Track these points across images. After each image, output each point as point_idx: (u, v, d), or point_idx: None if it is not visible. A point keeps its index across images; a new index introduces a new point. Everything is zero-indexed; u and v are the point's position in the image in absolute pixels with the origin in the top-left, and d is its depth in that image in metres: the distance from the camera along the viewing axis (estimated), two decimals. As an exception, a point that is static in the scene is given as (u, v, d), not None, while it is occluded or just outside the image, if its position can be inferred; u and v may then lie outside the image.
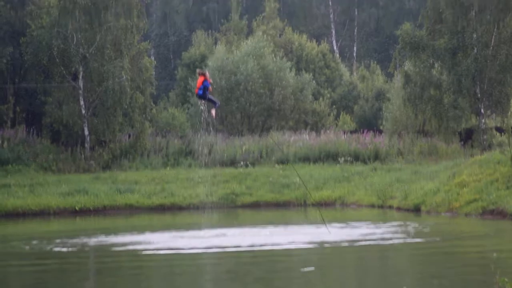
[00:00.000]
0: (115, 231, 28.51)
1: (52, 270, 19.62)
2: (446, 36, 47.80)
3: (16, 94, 51.77)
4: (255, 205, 42.01)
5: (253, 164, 48.25)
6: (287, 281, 17.00)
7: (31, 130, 48.72)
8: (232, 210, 40.87)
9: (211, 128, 25.84)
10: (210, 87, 25.69)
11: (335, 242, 23.04)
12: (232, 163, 48.87)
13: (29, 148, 47.04)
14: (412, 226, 28.22)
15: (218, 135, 53.16)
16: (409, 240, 23.21)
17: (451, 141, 48.62)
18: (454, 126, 48.34)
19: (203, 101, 26.15)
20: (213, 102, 25.86)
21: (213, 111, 26.53)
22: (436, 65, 49.23)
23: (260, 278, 17.29)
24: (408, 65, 51.02)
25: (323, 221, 25.91)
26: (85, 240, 25.55)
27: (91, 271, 20.14)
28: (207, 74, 25.93)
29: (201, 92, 25.50)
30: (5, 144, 46.43)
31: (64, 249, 23.10)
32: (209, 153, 50.42)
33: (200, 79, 25.65)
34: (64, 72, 49.04)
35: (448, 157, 45.21)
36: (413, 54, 48.79)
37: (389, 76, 69.00)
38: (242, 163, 48.33)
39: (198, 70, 26.73)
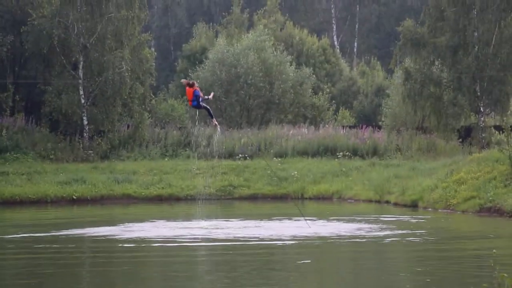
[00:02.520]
0: (113, 221, 28.53)
1: (46, 259, 19.65)
2: (447, 34, 47.81)
3: (16, 83, 51.68)
4: (253, 198, 42.07)
5: (251, 157, 48.26)
6: (283, 273, 17.03)
7: (30, 118, 48.67)
8: (230, 202, 40.91)
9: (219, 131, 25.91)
10: (201, 93, 25.56)
11: (331, 236, 23.06)
12: (231, 155, 48.84)
13: (27, 137, 46.98)
14: (408, 222, 28.26)
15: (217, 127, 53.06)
16: (404, 237, 23.23)
17: (450, 138, 48.64)
18: (453, 124, 48.39)
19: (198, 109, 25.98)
20: (208, 110, 25.75)
21: (214, 121, 26.47)
22: (436, 62, 49.24)
23: (255, 270, 17.32)
24: (408, 62, 51.02)
25: (304, 216, 25.91)
26: (80, 230, 25.56)
27: (86, 261, 20.17)
28: (195, 83, 25.81)
29: (195, 103, 25.45)
30: (4, 132, 46.38)
31: (59, 239, 23.12)
32: (208, 145, 50.40)
33: (189, 91, 25.46)
34: (65, 61, 48.99)
35: (447, 154, 45.21)
36: (414, 51, 48.81)
37: (389, 72, 68.95)
38: (240, 155, 48.33)
39: (183, 81, 26.40)
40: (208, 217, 27.20)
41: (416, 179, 37.40)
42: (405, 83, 49.20)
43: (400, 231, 24.37)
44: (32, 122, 48.42)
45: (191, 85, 25.43)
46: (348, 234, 23.54)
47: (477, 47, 47.24)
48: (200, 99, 25.28)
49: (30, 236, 23.92)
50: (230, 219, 29.02)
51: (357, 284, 15.40)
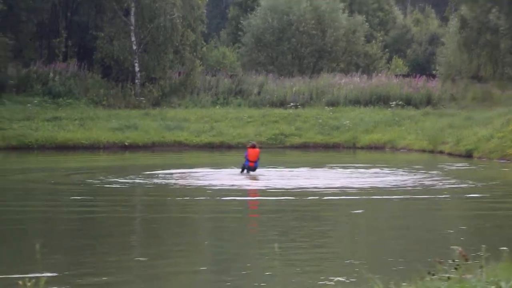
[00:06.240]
0: (165, 167, 28.57)
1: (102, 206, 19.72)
2: (505, -20, 46.45)
3: (68, 28, 51.80)
4: (304, 146, 41.78)
5: (303, 106, 47.85)
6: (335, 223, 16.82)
7: (83, 64, 48.77)
8: (281, 150, 40.71)
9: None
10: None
11: (385, 187, 22.75)
12: (282, 104, 48.50)
13: (80, 82, 47.16)
14: (463, 173, 27.77)
15: (269, 75, 52.73)
16: (459, 189, 22.81)
17: (506, 87, 47.55)
18: (510, 72, 47.26)
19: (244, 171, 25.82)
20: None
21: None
22: (493, 9, 47.90)
23: (306, 219, 17.13)
24: (464, 9, 49.77)
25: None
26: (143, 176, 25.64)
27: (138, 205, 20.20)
28: (256, 144, 26.30)
29: (257, 164, 25.53)
30: (57, 77, 46.58)
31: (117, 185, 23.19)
32: (259, 93, 50.10)
33: (256, 151, 25.53)
34: (116, 7, 48.85)
35: (503, 103, 44.26)
36: (471, -2, 47.55)
37: (444, 20, 67.51)
38: (292, 104, 47.94)
39: (253, 143, 26.64)
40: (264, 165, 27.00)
41: (471, 129, 36.79)
42: (460, 31, 48.06)
43: (454, 183, 23.90)
44: (84, 68, 48.54)
45: (254, 146, 25.79)
46: (402, 185, 23.17)
47: (536, -6, 45.84)
48: None
49: (108, 180, 24.04)
50: (280, 168, 28.84)
51: (403, 238, 15.11)
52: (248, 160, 25.56)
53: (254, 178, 24.86)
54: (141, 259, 12.55)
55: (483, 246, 6.95)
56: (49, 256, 11.93)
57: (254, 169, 25.59)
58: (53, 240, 14.20)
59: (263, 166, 26.80)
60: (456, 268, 6.60)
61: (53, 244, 13.58)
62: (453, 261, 6.72)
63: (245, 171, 25.61)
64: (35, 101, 44.11)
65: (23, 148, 37.74)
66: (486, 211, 18.36)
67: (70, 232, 15.45)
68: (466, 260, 6.71)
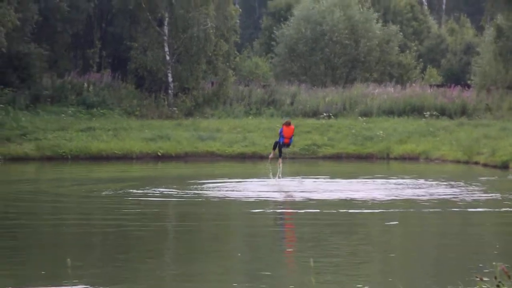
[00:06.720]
0: (198, 178, 28.52)
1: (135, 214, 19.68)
2: (542, -11, 45.96)
3: (102, 39, 52.11)
4: (337, 157, 41.51)
5: (335, 116, 47.58)
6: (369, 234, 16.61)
7: (116, 75, 49.02)
8: (314, 161, 40.49)
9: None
10: None
11: (421, 199, 22.48)
12: (315, 114, 48.27)
13: (114, 93, 47.35)
14: (499, 185, 27.36)
15: (301, 85, 52.54)
16: (495, 201, 22.45)
17: (542, 98, 47.02)
18: (546, 83, 46.73)
19: (275, 150, 26.24)
20: (280, 151, 26.28)
21: (271, 156, 26.60)
22: (530, 19, 47.44)
23: (343, 232, 16.95)
24: (500, 18, 49.28)
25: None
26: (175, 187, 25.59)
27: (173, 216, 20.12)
28: (290, 122, 26.97)
29: (291, 141, 26.09)
30: (91, 88, 46.85)
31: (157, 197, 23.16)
32: (292, 103, 49.94)
33: (291, 129, 26.02)
34: (150, 18, 49.03)
35: (539, 114, 43.75)
36: (507, 7, 47.08)
37: (479, 29, 66.89)
38: (324, 114, 47.70)
39: (288, 120, 27.41)
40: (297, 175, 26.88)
41: (507, 140, 36.36)
42: (496, 41, 47.64)
43: (490, 195, 23.54)
44: (118, 78, 48.77)
45: (289, 124, 26.36)
46: (437, 196, 22.87)
47: None
48: None
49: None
50: (314, 177, 28.66)
51: (440, 252, 14.85)
52: (283, 137, 25.96)
53: (289, 191, 24.71)
54: (173, 272, 12.45)
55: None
56: (81, 268, 11.88)
57: (288, 146, 26.19)
58: (85, 253, 14.16)
59: (296, 176, 26.65)
60: (498, 286, 6.40)
61: (85, 257, 13.53)
62: (495, 278, 6.52)
63: (276, 150, 25.97)
64: (69, 112, 44.39)
65: (57, 158, 37.93)
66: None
67: (102, 245, 15.41)
68: (509, 277, 6.49)
